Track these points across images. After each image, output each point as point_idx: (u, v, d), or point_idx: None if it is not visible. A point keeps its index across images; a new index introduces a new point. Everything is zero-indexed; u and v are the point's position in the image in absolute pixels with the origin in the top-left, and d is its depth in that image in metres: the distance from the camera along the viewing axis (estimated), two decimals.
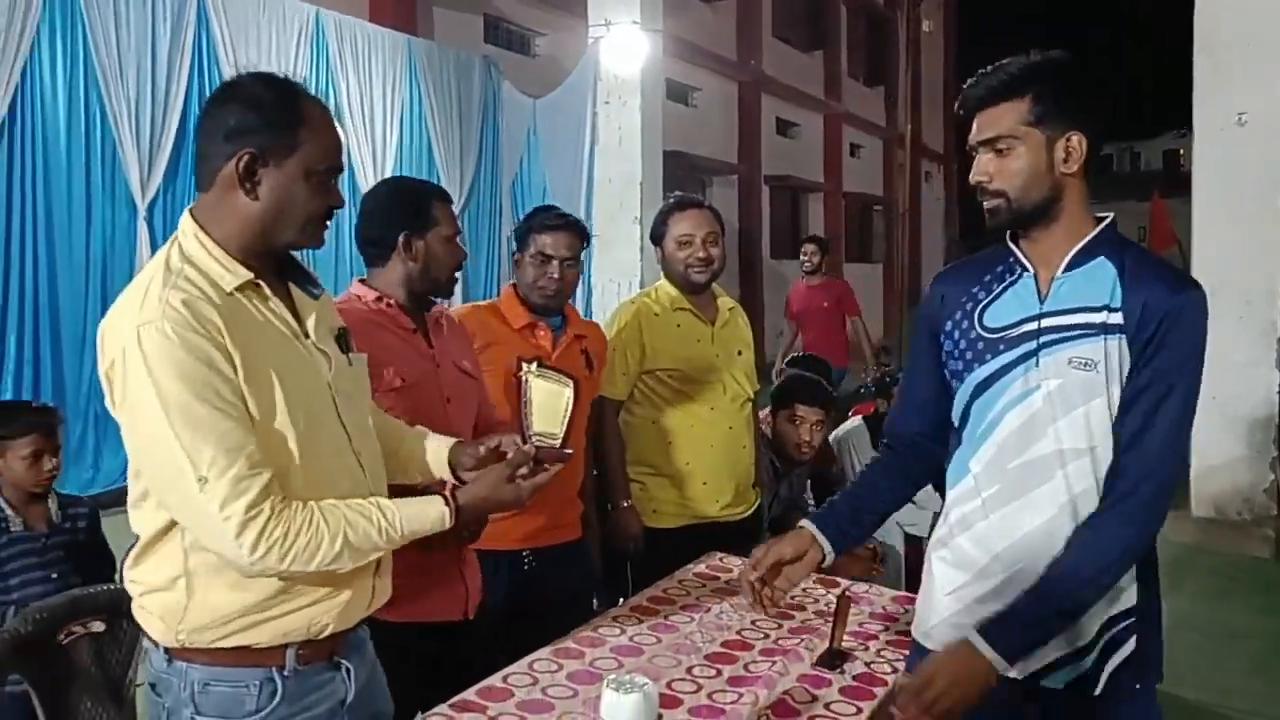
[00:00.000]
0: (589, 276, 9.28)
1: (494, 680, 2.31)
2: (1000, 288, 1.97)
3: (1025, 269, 1.95)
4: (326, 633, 1.87)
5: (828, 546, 2.09)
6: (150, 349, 1.65)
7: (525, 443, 2.13)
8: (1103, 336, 1.84)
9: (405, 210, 2.62)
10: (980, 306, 1.98)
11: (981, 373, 1.95)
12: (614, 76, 9.46)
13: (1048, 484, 1.89)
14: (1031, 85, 1.87)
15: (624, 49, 9.43)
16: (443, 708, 2.17)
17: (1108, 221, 1.93)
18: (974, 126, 1.92)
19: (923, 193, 26.66)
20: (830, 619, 2.61)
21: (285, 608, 1.82)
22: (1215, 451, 7.43)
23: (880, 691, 2.31)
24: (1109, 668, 1.88)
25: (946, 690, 1.79)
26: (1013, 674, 1.88)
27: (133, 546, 1.86)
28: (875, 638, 2.65)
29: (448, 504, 1.93)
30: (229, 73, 8.30)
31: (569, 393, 2.27)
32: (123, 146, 7.59)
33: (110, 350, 1.72)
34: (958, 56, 29.61)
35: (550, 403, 2.25)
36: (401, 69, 10.30)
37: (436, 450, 2.20)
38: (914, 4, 21.97)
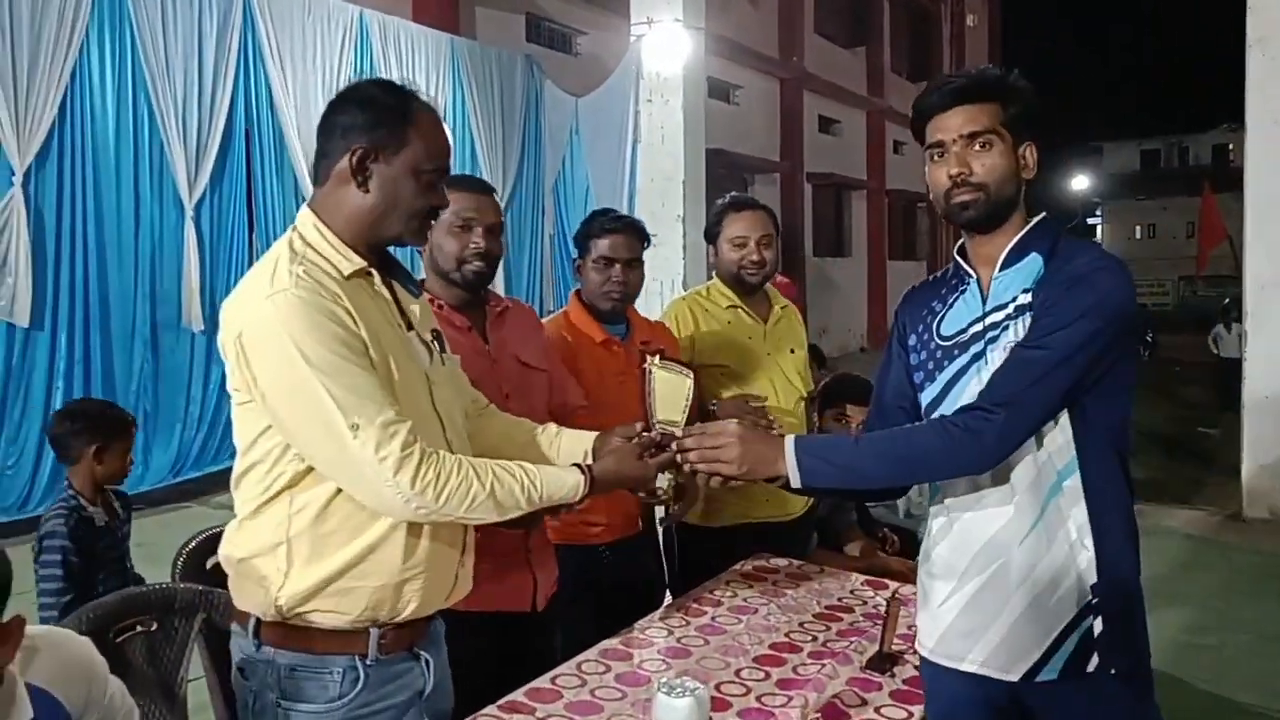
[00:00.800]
0: None
1: (542, 681, 2.30)
2: (953, 298, 2.05)
3: (970, 275, 2.03)
4: (409, 610, 1.91)
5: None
6: (287, 313, 1.75)
7: (650, 430, 2.23)
8: (1020, 317, 1.90)
9: None
10: (937, 319, 2.06)
11: (943, 379, 2.00)
12: (656, 75, 9.44)
13: (1005, 475, 1.92)
14: (1003, 93, 1.96)
15: (666, 47, 9.40)
16: (491, 709, 2.17)
17: (1039, 219, 1.99)
18: (946, 122, 1.96)
19: None
20: (879, 621, 2.59)
21: (374, 580, 1.87)
22: (1268, 452, 7.32)
23: None
24: (1095, 650, 1.88)
25: (729, 450, 1.97)
26: (1010, 677, 1.91)
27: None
28: None
29: (584, 473, 2.04)
30: (275, 73, 8.41)
31: (689, 384, 2.37)
32: (170, 146, 7.69)
33: (236, 323, 1.81)
34: (1003, 51, 29.34)
35: (672, 393, 2.35)
36: (444, 68, 10.36)
37: (572, 444, 2.27)
38: None
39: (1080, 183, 52.00)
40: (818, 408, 3.92)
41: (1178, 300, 33.51)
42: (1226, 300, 18.33)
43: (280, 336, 1.74)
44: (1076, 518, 1.89)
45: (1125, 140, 61.62)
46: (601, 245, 3.08)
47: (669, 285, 8.98)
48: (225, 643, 2.08)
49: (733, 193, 3.78)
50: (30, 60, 6.82)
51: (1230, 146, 48.35)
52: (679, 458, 2.07)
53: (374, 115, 1.88)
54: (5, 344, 6.90)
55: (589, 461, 2.17)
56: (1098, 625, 1.87)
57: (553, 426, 2.33)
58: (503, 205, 2.89)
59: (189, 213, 7.84)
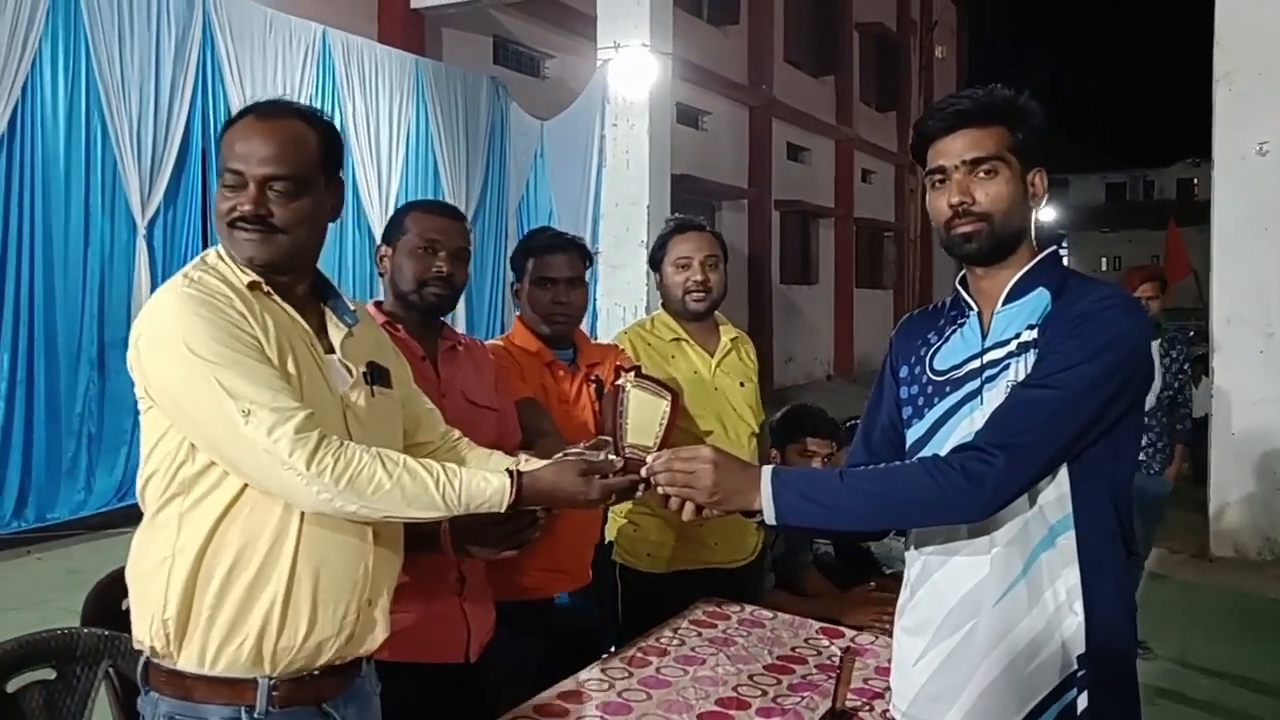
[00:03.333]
0: (594, 301, 9.14)
1: None
2: (950, 330, 1.92)
3: (970, 308, 1.89)
4: (296, 643, 1.79)
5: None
6: (176, 308, 1.73)
7: (618, 453, 2.06)
8: (1022, 355, 1.77)
9: (389, 224, 2.63)
10: (931, 351, 1.92)
11: (932, 416, 1.87)
12: (622, 99, 9.36)
13: (986, 525, 1.76)
14: (1011, 115, 1.82)
15: (633, 72, 9.33)
16: None
17: (1048, 252, 1.86)
18: (948, 147, 1.83)
19: None
20: (834, 674, 2.45)
21: (257, 607, 1.76)
22: (1234, 489, 7.27)
23: None
24: None
25: (702, 477, 1.78)
26: None
27: None
28: (881, 696, 2.47)
29: (511, 479, 1.85)
30: (234, 91, 8.24)
31: (666, 405, 2.18)
32: (123, 164, 7.50)
33: (136, 331, 1.77)
34: (970, 82, 29.53)
35: (647, 414, 2.17)
36: (409, 89, 10.22)
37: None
38: (926, 30, 21.92)
39: (1046, 214, 52.51)
40: (775, 442, 3.78)
41: None
42: (1192, 333, 18.44)
43: (169, 334, 1.72)
44: (1067, 578, 1.73)
45: (1090, 173, 62.31)
46: (541, 264, 2.93)
47: (631, 311, 8.87)
48: (135, 691, 1.93)
49: (678, 214, 3.65)
50: None
51: (1195, 181, 49.00)
52: (653, 480, 1.85)
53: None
54: None
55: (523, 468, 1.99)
56: (1082, 700, 1.71)
57: (523, 456, 2.17)
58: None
59: (141, 231, 7.63)
